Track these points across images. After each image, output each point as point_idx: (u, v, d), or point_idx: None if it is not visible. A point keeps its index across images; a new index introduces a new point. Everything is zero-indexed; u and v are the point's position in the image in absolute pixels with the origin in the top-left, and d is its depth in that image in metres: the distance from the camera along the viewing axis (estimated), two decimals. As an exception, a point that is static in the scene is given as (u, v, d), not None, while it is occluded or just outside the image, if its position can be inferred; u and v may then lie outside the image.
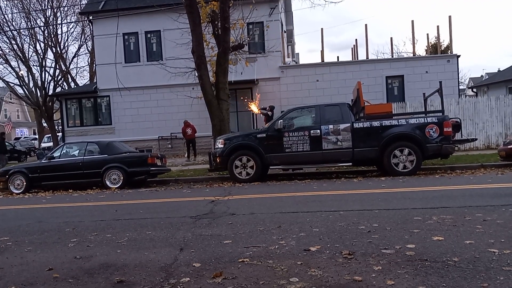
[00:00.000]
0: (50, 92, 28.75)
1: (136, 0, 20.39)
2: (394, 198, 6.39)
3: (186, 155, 17.53)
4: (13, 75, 29.69)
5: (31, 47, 28.99)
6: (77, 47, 36.74)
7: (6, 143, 27.10)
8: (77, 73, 33.80)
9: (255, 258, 3.50)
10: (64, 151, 11.80)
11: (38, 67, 29.18)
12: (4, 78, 30.07)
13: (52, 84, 29.80)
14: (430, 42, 22.16)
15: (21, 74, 29.18)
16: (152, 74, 19.72)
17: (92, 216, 6.37)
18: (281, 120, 10.19)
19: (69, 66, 31.45)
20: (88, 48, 31.64)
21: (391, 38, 26.38)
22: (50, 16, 28.73)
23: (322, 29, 20.53)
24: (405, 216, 4.85)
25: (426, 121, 9.74)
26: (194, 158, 16.90)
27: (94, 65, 24.84)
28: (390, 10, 78.18)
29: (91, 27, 23.18)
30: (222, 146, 10.37)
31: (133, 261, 3.64)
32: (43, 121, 31.32)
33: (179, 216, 5.77)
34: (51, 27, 28.48)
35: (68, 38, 31.14)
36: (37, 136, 36.48)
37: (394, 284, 2.75)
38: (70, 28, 30.75)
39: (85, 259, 3.82)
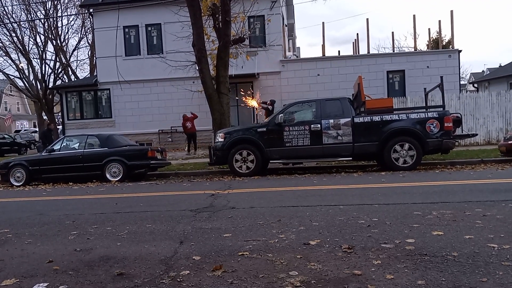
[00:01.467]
0: (50, 84, 28.71)
1: (137, -7, 20.30)
2: (394, 192, 6.39)
3: (186, 149, 17.53)
4: (13, 68, 29.67)
5: (31, 40, 28.92)
6: (77, 40, 36.73)
7: (7, 136, 27.23)
8: (77, 66, 33.84)
9: (255, 252, 3.50)
10: (64, 144, 11.81)
11: (38, 60, 29.14)
12: (4, 70, 30.04)
13: (52, 76, 29.74)
14: (432, 37, 22.08)
15: (21, 66, 29.10)
16: (153, 67, 19.67)
17: (92, 209, 6.38)
18: (282, 114, 10.17)
19: (69, 59, 31.38)
20: (89, 41, 31.57)
21: (392, 33, 26.13)
22: (50, 8, 28.61)
23: (323, 23, 20.44)
24: (405, 210, 4.86)
25: (426, 116, 9.72)
26: (194, 152, 16.90)
27: (95, 58, 24.77)
28: (391, 4, 77.82)
29: (91, 19, 23.07)
30: (222, 140, 10.37)
31: (133, 254, 3.65)
32: (43, 113, 31.31)
33: (179, 210, 5.78)
34: (51, 20, 28.35)
35: (68, 30, 31.19)
36: (37, 129, 36.47)
37: (393, 278, 2.75)
38: (71, 21, 30.63)
39: (85, 251, 3.83)
